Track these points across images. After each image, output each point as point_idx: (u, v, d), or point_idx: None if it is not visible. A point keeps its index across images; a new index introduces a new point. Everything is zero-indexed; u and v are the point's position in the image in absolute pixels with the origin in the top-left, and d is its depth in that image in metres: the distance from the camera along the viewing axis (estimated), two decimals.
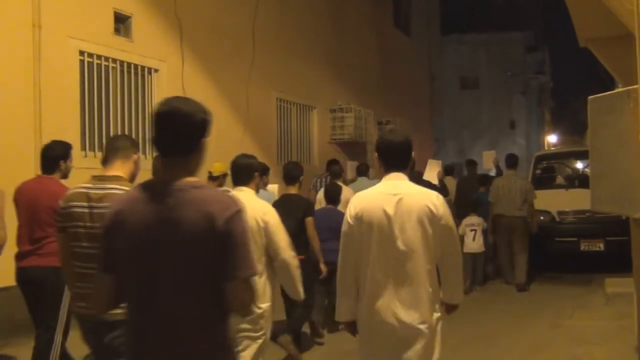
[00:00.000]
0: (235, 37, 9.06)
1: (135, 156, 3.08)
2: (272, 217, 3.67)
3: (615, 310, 6.72)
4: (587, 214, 9.00)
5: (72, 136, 6.42)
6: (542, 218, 9.72)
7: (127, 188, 2.77)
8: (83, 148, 6.62)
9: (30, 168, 5.92)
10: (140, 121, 7.53)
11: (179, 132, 1.99)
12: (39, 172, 5.55)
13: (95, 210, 2.87)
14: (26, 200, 3.96)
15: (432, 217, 2.77)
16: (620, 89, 4.45)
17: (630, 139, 3.67)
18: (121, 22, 7.23)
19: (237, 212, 1.93)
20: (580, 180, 10.49)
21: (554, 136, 42.27)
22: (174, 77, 7.84)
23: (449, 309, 3.07)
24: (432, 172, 8.67)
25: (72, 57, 6.52)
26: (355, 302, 2.83)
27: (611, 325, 6.26)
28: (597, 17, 5.32)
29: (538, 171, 11.12)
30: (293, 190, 5.48)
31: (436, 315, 2.83)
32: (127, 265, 1.94)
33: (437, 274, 2.91)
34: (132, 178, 3.05)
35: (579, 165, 12.56)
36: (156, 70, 7.69)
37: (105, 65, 7.01)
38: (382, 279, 2.74)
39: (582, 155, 11.40)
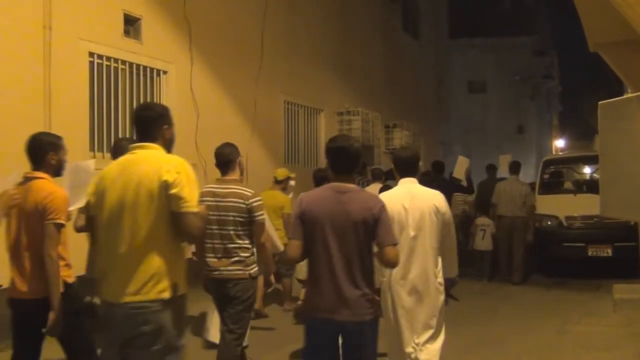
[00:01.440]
0: (244, 39, 9.09)
1: (239, 160, 4.33)
2: None
3: (623, 317, 6.68)
4: (595, 219, 8.97)
5: (81, 137, 6.46)
6: (549, 223, 9.71)
7: (247, 188, 4.20)
8: (92, 149, 6.65)
9: None
10: None
11: (349, 159, 3.21)
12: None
13: (221, 203, 4.10)
14: None
15: (437, 212, 3.78)
16: (630, 95, 4.44)
17: None
18: (131, 24, 7.27)
19: (383, 205, 3.15)
20: (588, 186, 10.44)
21: (561, 141, 42.16)
22: (182, 79, 7.87)
23: (448, 282, 3.95)
24: (460, 169, 9.22)
25: (82, 58, 6.56)
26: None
27: (619, 331, 6.23)
28: (607, 22, 5.30)
29: (546, 176, 11.07)
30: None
31: (440, 279, 3.83)
32: (313, 235, 3.09)
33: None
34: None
35: (587, 170, 12.50)
36: (165, 72, 7.72)
37: (114, 66, 7.04)
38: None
39: (590, 161, 11.34)
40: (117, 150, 4.13)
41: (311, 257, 3.15)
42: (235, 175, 4.29)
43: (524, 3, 36.96)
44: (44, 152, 3.51)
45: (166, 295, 2.70)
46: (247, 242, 4.16)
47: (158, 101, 7.65)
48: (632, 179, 3.75)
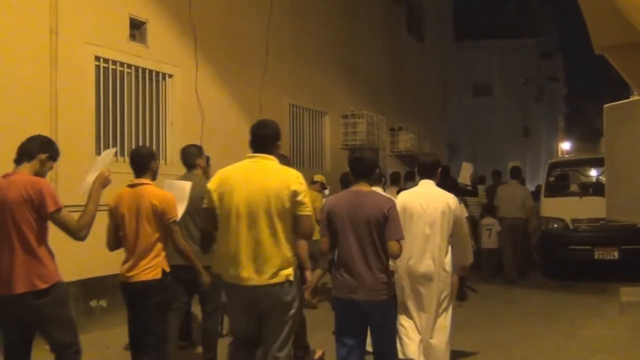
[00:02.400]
0: (249, 43, 9.11)
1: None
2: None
3: (630, 320, 6.66)
4: (601, 222, 8.94)
5: (87, 141, 6.49)
6: (555, 226, 9.70)
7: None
8: (98, 152, 6.66)
9: None
10: (154, 126, 7.58)
11: (364, 167, 3.85)
12: (52, 174, 5.69)
13: None
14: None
15: (449, 210, 4.38)
16: (636, 97, 4.43)
17: None
18: (136, 28, 7.30)
19: (393, 206, 3.75)
20: (594, 188, 10.41)
21: (567, 143, 42.03)
22: (188, 82, 7.90)
23: (460, 269, 4.67)
24: (465, 174, 10.04)
25: (88, 62, 6.59)
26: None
27: (626, 334, 6.20)
28: (613, 24, 5.29)
29: (552, 178, 11.05)
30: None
31: (447, 267, 4.42)
32: (337, 231, 3.74)
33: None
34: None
35: (593, 172, 12.46)
36: (170, 76, 7.75)
37: (120, 70, 7.07)
38: (414, 248, 4.32)
39: (596, 163, 11.33)
40: (186, 156, 4.99)
41: (337, 249, 3.84)
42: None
43: (529, 5, 36.94)
44: (147, 161, 4.10)
45: (292, 277, 3.43)
46: None
47: (163, 104, 7.68)
48: (638, 182, 3.74)
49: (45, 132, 5.97)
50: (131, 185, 4.03)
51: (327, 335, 5.28)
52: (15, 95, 5.80)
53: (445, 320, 4.46)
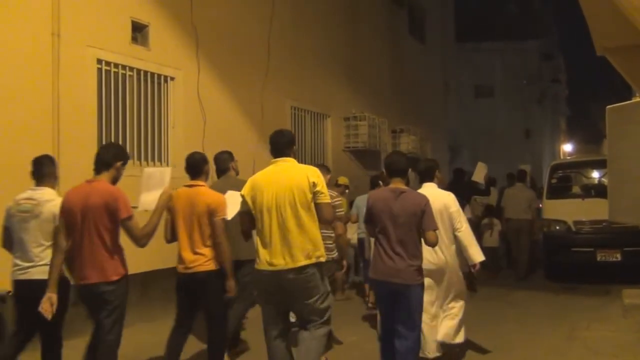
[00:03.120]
0: (251, 46, 9.12)
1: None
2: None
3: (633, 322, 6.64)
4: (603, 224, 8.92)
5: (89, 143, 6.49)
6: (557, 228, 9.68)
7: (334, 192, 5.58)
8: None
9: None
10: (156, 129, 7.59)
11: (402, 168, 4.47)
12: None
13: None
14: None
15: (446, 208, 5.06)
16: (638, 99, 4.42)
17: None
18: (138, 31, 7.31)
19: (428, 201, 4.29)
20: (596, 190, 10.39)
21: (569, 145, 41.98)
22: (189, 85, 7.91)
23: (473, 267, 5.21)
24: (479, 174, 10.40)
25: (90, 65, 6.61)
26: None
27: (629, 337, 6.18)
28: (615, 26, 5.29)
29: (554, 180, 11.03)
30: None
31: (453, 259, 5.13)
32: (378, 222, 4.32)
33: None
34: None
35: (596, 174, 12.44)
36: (172, 79, 7.76)
37: (122, 73, 7.09)
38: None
39: (599, 165, 11.31)
40: (219, 162, 5.64)
41: (376, 239, 4.39)
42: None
43: (531, 7, 36.91)
44: (201, 165, 4.70)
45: (322, 259, 3.94)
46: None
47: (165, 107, 7.70)
48: None
49: (48, 135, 6.03)
50: (188, 186, 4.61)
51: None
52: (18, 98, 5.82)
53: (455, 307, 5.20)
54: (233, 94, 8.72)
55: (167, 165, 7.62)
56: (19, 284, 4.25)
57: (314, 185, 3.90)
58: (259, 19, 9.26)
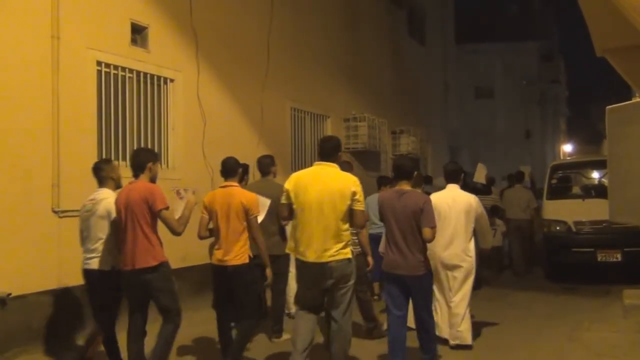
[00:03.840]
0: (250, 47, 9.12)
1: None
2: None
3: (633, 323, 6.62)
4: (604, 224, 8.91)
5: (88, 145, 6.49)
6: (558, 228, 9.67)
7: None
8: (100, 157, 6.67)
9: (47, 176, 6.00)
10: (155, 130, 7.59)
11: (407, 171, 4.95)
12: (54, 179, 5.73)
13: None
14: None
15: (471, 209, 5.78)
16: (638, 99, 4.42)
17: None
18: (138, 32, 7.30)
19: (427, 200, 4.77)
20: (596, 190, 10.39)
21: (569, 145, 41.98)
22: (189, 87, 7.90)
23: (484, 252, 6.36)
24: (480, 174, 11.17)
25: (89, 67, 6.60)
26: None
27: (629, 337, 6.17)
28: (615, 27, 5.28)
29: (554, 181, 11.03)
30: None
31: (470, 257, 5.79)
32: (385, 220, 4.87)
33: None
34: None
35: (596, 175, 12.44)
36: (172, 80, 7.76)
37: (122, 75, 7.08)
38: (441, 239, 5.55)
39: (599, 165, 11.31)
40: (261, 166, 6.38)
41: (386, 235, 4.94)
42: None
43: (531, 8, 36.93)
44: (235, 168, 5.21)
45: (350, 255, 4.46)
46: None
47: (165, 109, 7.69)
48: None
49: (47, 137, 6.03)
50: (223, 187, 5.08)
51: None
52: (18, 100, 5.81)
53: (466, 295, 5.82)
54: (233, 96, 8.72)
55: (167, 167, 7.62)
56: (84, 273, 4.89)
57: (354, 194, 4.41)
58: (259, 20, 9.25)
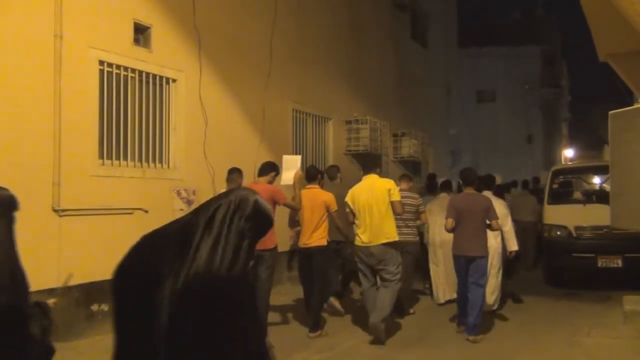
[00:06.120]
0: (253, 48, 9.12)
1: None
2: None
3: (633, 328, 6.61)
4: (604, 230, 8.89)
5: (90, 144, 6.49)
6: (558, 233, 9.65)
7: (414, 195, 7.71)
8: (101, 156, 6.68)
9: (48, 174, 6.00)
10: (157, 130, 7.59)
11: (472, 179, 6.82)
12: (55, 178, 5.73)
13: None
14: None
15: (488, 210, 6.48)
16: None
17: None
18: (141, 32, 7.31)
19: (490, 201, 6.56)
20: (598, 196, 10.37)
21: (571, 150, 41.89)
22: (191, 87, 7.90)
23: (510, 253, 7.40)
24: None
25: (92, 66, 6.60)
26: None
27: (630, 343, 6.16)
28: (618, 32, 5.28)
29: (555, 186, 11.02)
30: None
31: (487, 247, 6.66)
32: (458, 217, 6.50)
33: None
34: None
35: (597, 180, 12.43)
36: (174, 81, 7.75)
37: (124, 75, 7.08)
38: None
39: (600, 170, 11.31)
40: (330, 172, 8.12)
41: (458, 227, 6.45)
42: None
43: (533, 12, 36.93)
44: (315, 175, 6.93)
45: (395, 239, 6.28)
46: None
47: (167, 109, 7.69)
48: None
49: (49, 136, 6.03)
50: (307, 189, 6.71)
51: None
52: (20, 99, 5.81)
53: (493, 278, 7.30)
54: (235, 96, 8.72)
55: (169, 167, 7.62)
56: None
57: (389, 190, 6.26)
58: (261, 21, 9.26)
